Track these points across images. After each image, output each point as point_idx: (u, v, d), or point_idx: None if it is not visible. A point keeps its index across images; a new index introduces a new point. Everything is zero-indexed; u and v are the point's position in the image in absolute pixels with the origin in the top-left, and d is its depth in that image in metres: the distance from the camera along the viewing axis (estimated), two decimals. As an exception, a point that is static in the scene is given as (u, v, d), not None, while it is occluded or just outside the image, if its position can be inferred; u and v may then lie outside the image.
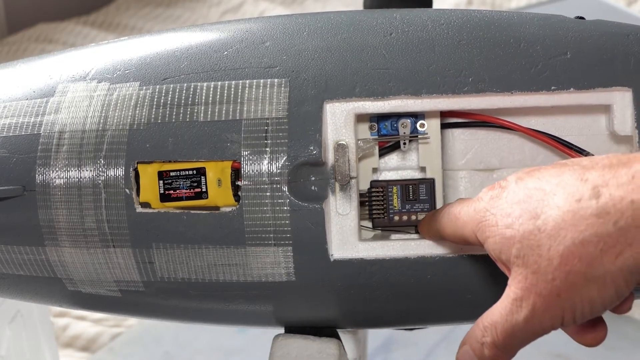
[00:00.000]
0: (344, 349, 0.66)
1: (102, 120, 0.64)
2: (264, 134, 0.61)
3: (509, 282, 0.53)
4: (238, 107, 0.62)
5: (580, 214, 0.50)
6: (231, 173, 0.62)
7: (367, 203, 0.65)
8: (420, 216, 0.64)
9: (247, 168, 0.61)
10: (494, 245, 0.53)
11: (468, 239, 0.56)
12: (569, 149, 0.63)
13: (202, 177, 0.62)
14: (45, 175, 0.63)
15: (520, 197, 0.52)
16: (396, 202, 0.65)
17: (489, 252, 0.54)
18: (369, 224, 0.65)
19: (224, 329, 1.46)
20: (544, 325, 0.52)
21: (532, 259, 0.51)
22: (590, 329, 0.55)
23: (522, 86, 0.61)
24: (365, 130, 0.65)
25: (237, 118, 0.62)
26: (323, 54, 0.63)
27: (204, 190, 0.62)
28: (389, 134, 0.65)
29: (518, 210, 0.52)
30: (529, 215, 0.51)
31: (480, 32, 0.63)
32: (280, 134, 0.61)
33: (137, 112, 0.63)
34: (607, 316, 0.56)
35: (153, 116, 0.63)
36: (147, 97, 0.63)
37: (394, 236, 0.64)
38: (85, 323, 1.55)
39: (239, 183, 0.62)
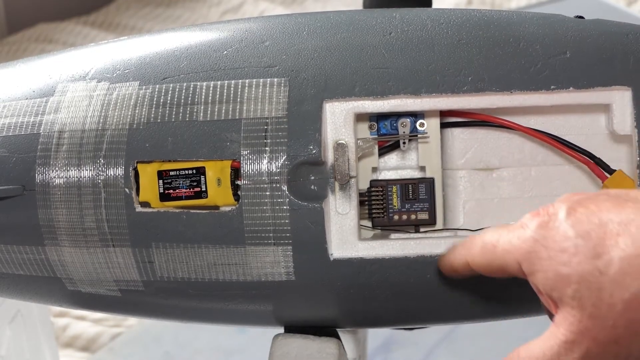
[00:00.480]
0: (343, 348, 0.66)
1: (101, 120, 0.64)
2: (263, 133, 0.61)
3: (557, 321, 0.50)
4: (237, 107, 0.62)
5: None
6: (231, 172, 0.62)
7: (366, 202, 0.65)
8: (420, 215, 0.65)
9: (247, 167, 0.61)
10: (544, 280, 0.50)
11: (508, 269, 0.53)
12: (568, 149, 0.63)
13: (202, 176, 0.62)
14: (45, 174, 0.63)
15: (577, 231, 0.49)
16: (396, 202, 0.65)
17: (536, 285, 0.51)
18: (369, 224, 0.65)
19: (224, 329, 1.46)
20: None
21: (590, 302, 0.48)
22: None
23: (521, 85, 0.61)
24: (364, 130, 0.65)
25: (237, 117, 0.62)
26: (322, 53, 0.63)
27: (203, 189, 0.62)
28: (388, 133, 0.65)
29: (574, 246, 0.49)
30: (588, 253, 0.48)
31: (480, 32, 0.63)
32: (280, 134, 0.61)
33: (137, 111, 0.63)
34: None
35: (153, 116, 0.63)
36: (146, 96, 0.63)
37: (393, 235, 0.64)
38: (85, 323, 1.55)
39: (238, 182, 0.62)
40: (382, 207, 0.65)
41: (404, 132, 0.64)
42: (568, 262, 0.49)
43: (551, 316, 0.53)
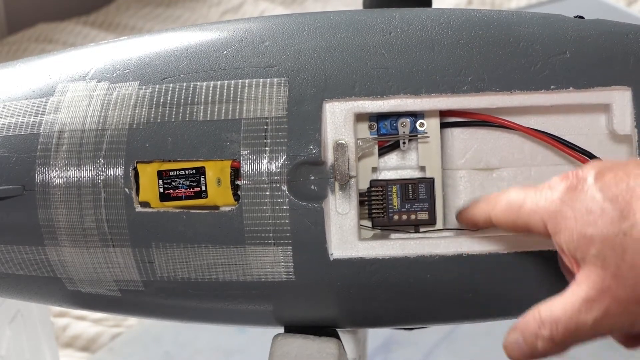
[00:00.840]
0: (343, 348, 0.66)
1: (101, 120, 0.64)
2: (263, 133, 0.61)
3: (579, 279, 0.51)
4: (237, 107, 0.62)
5: None
6: (231, 172, 0.62)
7: (366, 202, 0.65)
8: (420, 215, 0.65)
9: (247, 167, 0.61)
10: (569, 240, 0.51)
11: (532, 228, 0.54)
12: (568, 148, 0.63)
13: (202, 176, 0.62)
14: (45, 174, 0.63)
15: (605, 195, 0.50)
16: (396, 202, 0.65)
17: (559, 245, 0.52)
18: (369, 224, 0.65)
19: (224, 329, 1.46)
20: (612, 328, 0.51)
21: (614, 262, 0.49)
22: (638, 335, 0.54)
23: (521, 85, 0.61)
24: (364, 130, 0.65)
25: (237, 117, 0.62)
26: (322, 53, 0.63)
27: (203, 189, 0.62)
28: (388, 133, 0.65)
29: (601, 208, 0.50)
30: (614, 216, 0.50)
31: (480, 32, 0.63)
32: (280, 133, 0.61)
33: (137, 111, 0.63)
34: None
35: (152, 115, 0.63)
36: (146, 96, 0.63)
37: (393, 235, 0.64)
38: (85, 323, 1.55)
39: (238, 182, 0.62)
40: (382, 207, 0.65)
41: (404, 132, 0.64)
42: (594, 223, 0.50)
43: (570, 277, 0.54)
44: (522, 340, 0.53)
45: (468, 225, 0.62)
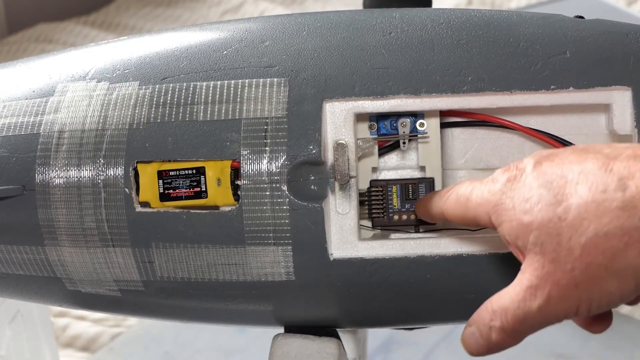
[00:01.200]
0: (343, 348, 0.66)
1: (101, 120, 0.64)
2: (263, 133, 0.61)
3: (523, 268, 0.52)
4: (237, 107, 0.62)
5: (604, 205, 0.49)
6: (231, 172, 0.62)
7: (366, 202, 0.65)
8: (420, 215, 0.65)
9: (247, 167, 0.61)
10: (509, 230, 0.52)
11: (479, 222, 0.55)
12: (568, 148, 0.63)
13: (202, 176, 0.62)
14: (45, 174, 0.63)
15: (540, 183, 0.51)
16: (396, 202, 0.65)
17: (503, 236, 0.53)
18: (369, 224, 0.65)
19: (224, 329, 1.46)
20: (557, 314, 0.51)
21: (551, 247, 0.50)
22: (598, 318, 0.55)
23: (521, 85, 0.61)
24: (364, 130, 0.65)
25: (237, 117, 0.62)
26: (322, 53, 0.63)
27: (203, 189, 0.62)
28: (388, 133, 0.65)
29: (537, 195, 0.51)
30: (548, 201, 0.50)
31: (480, 32, 0.63)
32: (280, 133, 0.61)
33: (137, 111, 0.63)
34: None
35: (152, 115, 0.63)
36: (146, 96, 0.64)
37: (393, 235, 0.64)
38: (85, 323, 1.55)
39: (238, 182, 0.62)
40: (382, 207, 0.65)
41: (404, 132, 0.64)
42: (530, 210, 0.51)
43: None
44: (478, 332, 0.54)
45: (425, 218, 0.62)
